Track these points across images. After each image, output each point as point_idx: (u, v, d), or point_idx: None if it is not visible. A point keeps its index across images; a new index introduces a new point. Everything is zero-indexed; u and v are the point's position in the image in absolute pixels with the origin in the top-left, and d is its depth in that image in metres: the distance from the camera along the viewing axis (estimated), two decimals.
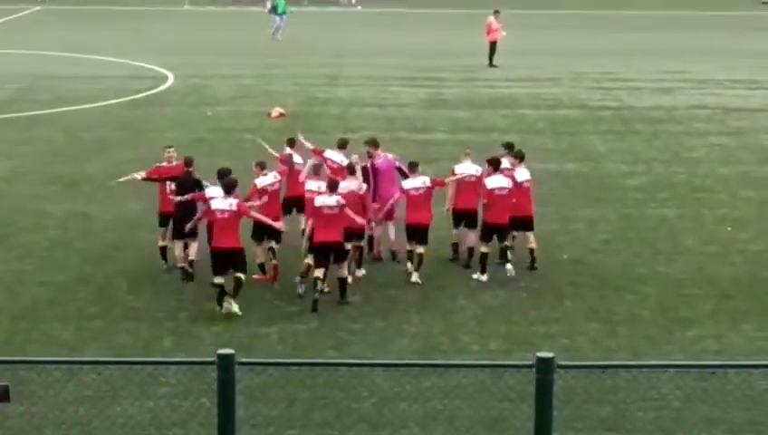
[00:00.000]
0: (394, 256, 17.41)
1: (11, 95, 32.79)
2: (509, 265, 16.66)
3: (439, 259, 17.39)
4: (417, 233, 16.59)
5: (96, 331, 14.49)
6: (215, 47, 44.35)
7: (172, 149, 17.43)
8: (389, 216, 17.27)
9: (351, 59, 41.01)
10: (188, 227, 16.11)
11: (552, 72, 37.84)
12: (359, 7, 64.33)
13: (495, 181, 16.68)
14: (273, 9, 47.14)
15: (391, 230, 17.47)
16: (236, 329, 14.59)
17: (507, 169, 17.17)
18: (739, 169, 24.00)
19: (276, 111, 28.83)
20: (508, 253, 16.79)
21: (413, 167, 17.00)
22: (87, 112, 29.94)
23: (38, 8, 62.90)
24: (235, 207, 15.21)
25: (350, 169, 16.49)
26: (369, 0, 65.86)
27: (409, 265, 16.65)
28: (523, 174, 17.22)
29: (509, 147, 18.09)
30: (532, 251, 17.06)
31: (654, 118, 29.80)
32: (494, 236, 16.76)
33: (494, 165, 16.87)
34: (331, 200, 15.50)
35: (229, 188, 15.37)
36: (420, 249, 16.52)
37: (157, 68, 38.06)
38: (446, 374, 10.74)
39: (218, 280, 15.22)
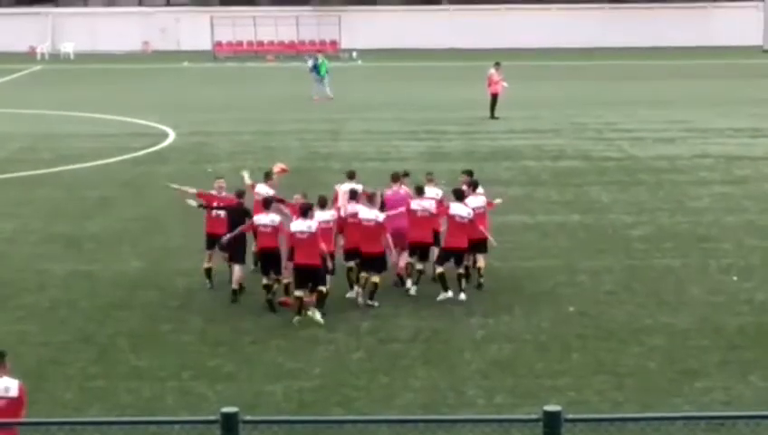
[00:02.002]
0: (402, 281, 18.50)
1: (13, 155, 32.99)
2: (462, 295, 17.82)
3: (444, 314, 17.45)
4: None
5: (99, 391, 14.45)
6: (214, 104, 44.66)
7: (222, 180, 19.02)
8: (401, 243, 18.47)
9: (353, 113, 41.29)
10: (224, 240, 17.82)
11: (554, 124, 38.09)
12: (359, 61, 64.94)
13: (457, 209, 18.04)
14: (315, 69, 46.95)
15: (402, 257, 18.55)
16: (240, 387, 14.56)
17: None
18: (744, 218, 24.03)
19: (278, 167, 28.81)
20: (463, 281, 17.86)
21: (419, 191, 18.58)
22: (88, 171, 30.12)
23: (38, 67, 63.49)
24: (314, 229, 16.79)
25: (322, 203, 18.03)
26: (370, 54, 66.47)
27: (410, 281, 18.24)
28: (475, 201, 18.49)
29: (469, 174, 19.42)
30: (479, 269, 18.42)
31: (657, 168, 29.91)
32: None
33: (457, 195, 18.32)
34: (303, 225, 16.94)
35: (305, 212, 16.96)
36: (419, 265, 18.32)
37: (157, 125, 38.31)
38: (453, 429, 10.74)
39: (298, 293, 16.82)
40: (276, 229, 17.48)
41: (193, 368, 15.20)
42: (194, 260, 19.96)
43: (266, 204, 17.79)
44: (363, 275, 17.85)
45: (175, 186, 20.02)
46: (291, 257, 17.31)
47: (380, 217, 17.84)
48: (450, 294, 17.91)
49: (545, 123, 38.21)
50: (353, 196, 18.23)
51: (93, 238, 22.58)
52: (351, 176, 19.41)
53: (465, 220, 17.93)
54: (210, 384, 14.62)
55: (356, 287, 18.00)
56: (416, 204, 18.27)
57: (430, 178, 19.33)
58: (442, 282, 17.89)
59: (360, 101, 45.08)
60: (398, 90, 49.55)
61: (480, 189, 19.16)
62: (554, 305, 17.81)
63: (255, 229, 17.70)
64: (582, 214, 24.49)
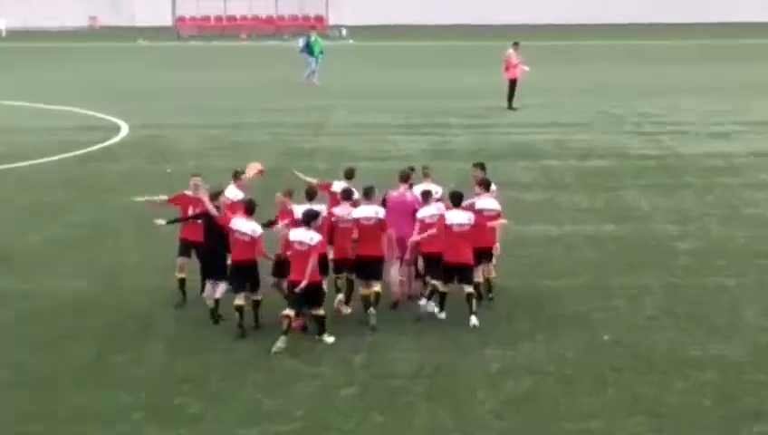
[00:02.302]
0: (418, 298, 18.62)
1: None
2: (474, 318, 17.94)
3: (453, 343, 17.50)
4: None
5: None
6: (176, 90, 44.75)
7: (199, 178, 18.93)
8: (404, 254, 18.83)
9: (341, 101, 41.44)
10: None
11: (581, 115, 38.25)
12: (350, 40, 65.00)
13: (454, 216, 18.10)
14: (307, 48, 47.13)
15: (410, 276, 18.98)
16: (208, 430, 14.47)
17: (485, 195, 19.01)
18: None
19: (254, 168, 28.74)
20: (473, 302, 17.96)
21: (426, 196, 18.67)
22: (27, 171, 30.19)
23: None
24: (315, 243, 17.01)
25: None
26: (361, 32, 66.49)
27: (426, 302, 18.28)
28: (485, 203, 18.75)
29: (480, 168, 19.66)
30: (488, 281, 18.77)
31: (707, 168, 29.94)
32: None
33: (454, 200, 18.39)
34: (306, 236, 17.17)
35: (309, 219, 17.26)
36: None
37: (108, 117, 38.43)
38: None
39: (288, 311, 17.00)
40: (255, 241, 17.60)
41: (149, 408, 15.10)
42: (154, 277, 19.94)
43: (250, 208, 17.83)
44: (363, 291, 18.13)
45: (142, 199, 20.13)
46: (278, 273, 17.84)
47: (381, 212, 18.23)
48: (443, 316, 18.21)
49: (571, 114, 38.31)
50: (347, 196, 18.50)
51: (30, 252, 22.49)
52: (350, 175, 19.48)
53: (466, 228, 18.07)
54: (172, 427, 14.52)
55: (340, 295, 18.50)
56: (424, 212, 18.45)
57: (426, 173, 19.53)
58: (440, 299, 18.23)
59: (350, 87, 45.18)
60: (395, 74, 49.69)
61: (493, 188, 19.41)
62: (583, 332, 17.81)
63: (229, 235, 17.79)
64: (616, 223, 24.52)
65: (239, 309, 17.55)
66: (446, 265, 18.18)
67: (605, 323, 18.26)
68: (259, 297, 17.83)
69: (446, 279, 18.19)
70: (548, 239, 23.19)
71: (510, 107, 39.36)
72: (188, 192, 18.83)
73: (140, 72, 52.11)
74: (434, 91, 43.78)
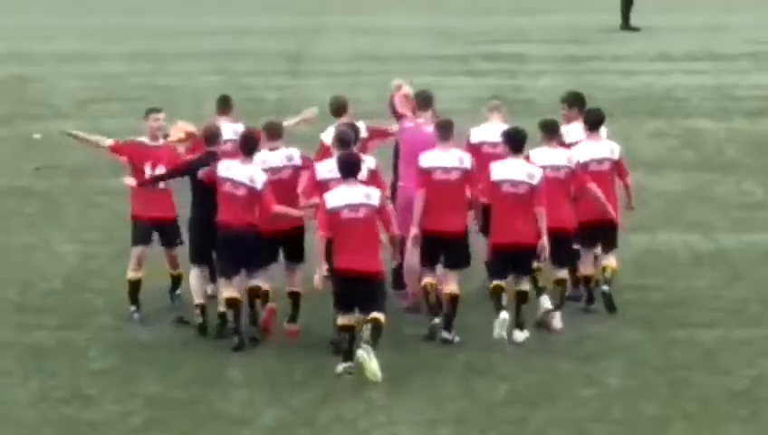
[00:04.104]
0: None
1: None
2: (519, 334, 19.22)
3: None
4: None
5: None
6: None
7: (161, 115, 20.27)
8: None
9: (335, 16, 42.24)
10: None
11: (751, 40, 38.65)
12: None
13: (505, 169, 19.13)
14: None
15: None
16: None
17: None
18: None
19: (180, 131, 28.51)
20: (528, 304, 19.36)
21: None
22: None
23: None
24: (376, 202, 18.05)
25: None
26: None
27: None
28: (595, 149, 19.97)
29: (574, 101, 20.96)
30: (607, 271, 19.96)
31: None
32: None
33: (512, 139, 19.38)
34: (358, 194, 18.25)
35: (352, 168, 18.15)
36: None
37: None
38: None
39: (343, 320, 18.20)
40: (255, 197, 18.63)
41: None
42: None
43: (249, 145, 18.93)
44: (429, 281, 19.37)
45: (76, 132, 21.22)
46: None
47: (467, 160, 19.26)
48: (500, 326, 18.89)
49: (731, 41, 38.92)
50: (344, 141, 18.95)
51: None
52: (339, 110, 20.65)
53: (523, 189, 19.04)
54: None
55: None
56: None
57: (496, 105, 21.11)
58: (495, 302, 19.25)
59: None
60: None
61: (603, 132, 20.46)
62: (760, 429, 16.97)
63: (213, 185, 18.94)
64: None
65: (232, 304, 18.73)
66: (493, 250, 19.46)
67: None
68: (264, 285, 19.05)
69: (497, 272, 19.41)
70: (694, 259, 23.38)
71: (626, 26, 40.05)
72: (144, 139, 20.01)
73: None
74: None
